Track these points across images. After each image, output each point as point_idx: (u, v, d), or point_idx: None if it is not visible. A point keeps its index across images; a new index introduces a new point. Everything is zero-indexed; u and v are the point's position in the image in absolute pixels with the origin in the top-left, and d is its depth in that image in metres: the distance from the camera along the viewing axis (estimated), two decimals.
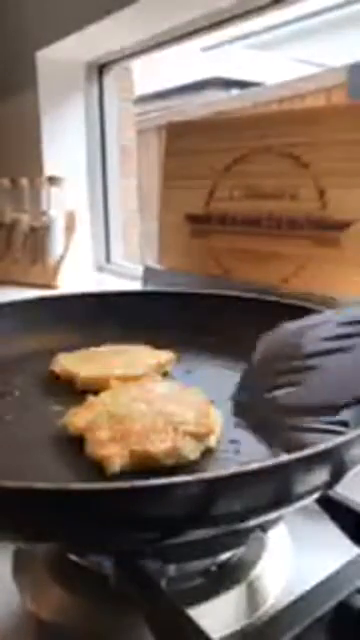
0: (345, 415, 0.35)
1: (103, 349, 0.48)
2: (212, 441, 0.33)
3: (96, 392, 0.41)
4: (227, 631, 0.30)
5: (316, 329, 0.37)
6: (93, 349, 0.47)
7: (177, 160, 0.78)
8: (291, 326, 0.39)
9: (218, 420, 0.34)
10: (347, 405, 0.32)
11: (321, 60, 3.28)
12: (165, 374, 0.45)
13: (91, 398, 0.37)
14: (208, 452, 0.33)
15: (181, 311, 0.53)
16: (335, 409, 0.32)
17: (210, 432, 0.32)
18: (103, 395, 0.37)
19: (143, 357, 0.45)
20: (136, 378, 0.42)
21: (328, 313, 0.39)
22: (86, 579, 0.33)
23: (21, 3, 1.16)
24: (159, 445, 0.30)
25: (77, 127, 1.22)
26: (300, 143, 0.63)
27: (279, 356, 0.37)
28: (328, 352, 0.35)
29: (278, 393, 0.35)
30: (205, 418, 0.33)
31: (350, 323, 0.36)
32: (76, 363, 0.44)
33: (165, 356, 0.45)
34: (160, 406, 0.34)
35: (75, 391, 0.41)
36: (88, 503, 0.22)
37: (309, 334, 0.37)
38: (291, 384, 0.35)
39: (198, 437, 0.32)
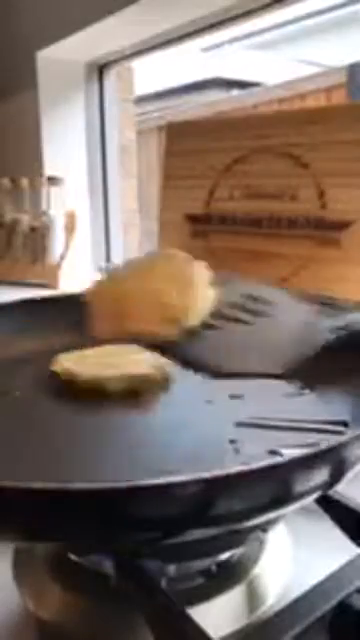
0: (343, 415, 0.35)
1: (103, 349, 0.48)
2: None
3: (97, 392, 0.41)
4: (227, 631, 0.30)
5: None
6: (93, 349, 0.47)
7: (177, 160, 0.78)
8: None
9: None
10: (228, 375, 0.35)
11: (321, 60, 3.28)
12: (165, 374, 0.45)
13: None
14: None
15: None
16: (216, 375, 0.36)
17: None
18: None
19: (143, 357, 0.45)
20: (136, 378, 0.42)
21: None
22: (86, 579, 0.33)
23: (21, 3, 1.16)
24: None
25: (77, 127, 1.22)
26: (300, 143, 0.63)
27: None
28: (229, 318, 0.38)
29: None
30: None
31: (255, 299, 0.38)
32: (76, 363, 0.44)
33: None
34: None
35: (75, 391, 0.41)
36: (88, 503, 0.22)
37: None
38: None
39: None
